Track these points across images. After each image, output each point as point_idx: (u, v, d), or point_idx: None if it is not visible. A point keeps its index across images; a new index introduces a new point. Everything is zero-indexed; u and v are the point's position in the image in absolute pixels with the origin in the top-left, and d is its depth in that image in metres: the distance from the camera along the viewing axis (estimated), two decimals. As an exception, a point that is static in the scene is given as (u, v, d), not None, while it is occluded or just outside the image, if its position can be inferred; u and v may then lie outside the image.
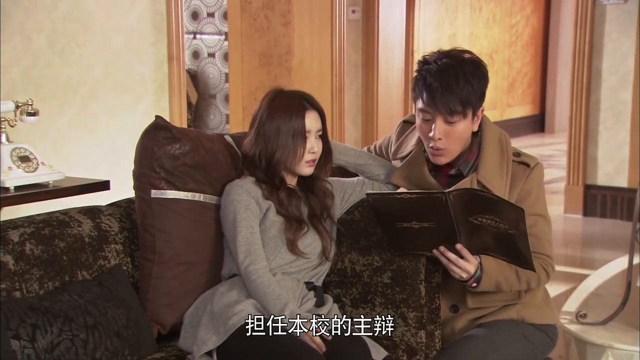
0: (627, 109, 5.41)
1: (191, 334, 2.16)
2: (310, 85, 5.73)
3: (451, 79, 2.26)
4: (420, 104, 2.30)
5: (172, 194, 2.25)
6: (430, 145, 2.30)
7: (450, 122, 2.27)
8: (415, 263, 2.31)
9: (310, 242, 2.27)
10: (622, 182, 5.36)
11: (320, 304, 2.23)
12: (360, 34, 6.26)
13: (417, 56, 7.94)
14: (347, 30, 5.98)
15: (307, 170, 2.28)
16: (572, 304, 3.43)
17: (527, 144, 9.02)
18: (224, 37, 6.29)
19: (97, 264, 2.19)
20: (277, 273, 2.22)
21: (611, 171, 5.48)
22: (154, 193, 2.25)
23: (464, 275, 2.21)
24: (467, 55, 2.35)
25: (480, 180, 2.30)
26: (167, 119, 4.24)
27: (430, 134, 2.28)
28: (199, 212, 2.28)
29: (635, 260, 3.20)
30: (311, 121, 2.26)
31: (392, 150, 2.52)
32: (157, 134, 2.26)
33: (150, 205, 2.25)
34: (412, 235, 2.20)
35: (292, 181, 2.32)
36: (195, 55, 6.52)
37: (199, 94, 6.53)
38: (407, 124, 2.53)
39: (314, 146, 2.26)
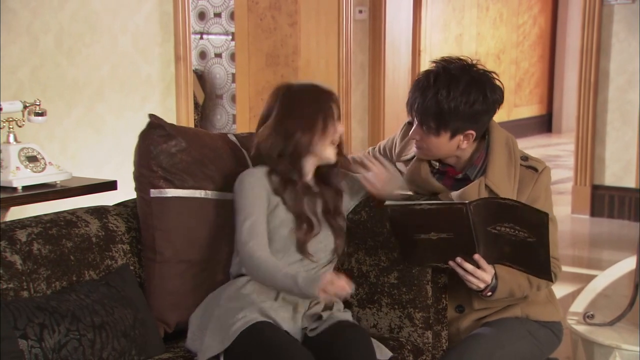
0: (634, 109, 5.39)
1: (198, 337, 2.15)
2: (316, 86, 5.72)
3: (435, 90, 2.25)
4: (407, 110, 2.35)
5: (171, 192, 2.25)
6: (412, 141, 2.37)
7: (425, 132, 2.30)
8: (422, 263, 2.31)
9: (322, 239, 2.23)
10: (629, 182, 5.34)
11: (329, 306, 2.20)
12: (367, 34, 6.26)
13: (424, 56, 7.92)
14: (354, 30, 5.98)
15: (332, 154, 2.23)
16: (579, 305, 3.42)
17: (534, 144, 9.00)
18: (230, 37, 6.30)
19: (104, 263, 2.20)
20: None
21: (619, 171, 5.45)
22: (153, 192, 2.25)
23: (481, 286, 2.21)
24: (475, 69, 2.30)
25: (488, 185, 2.30)
26: (174, 119, 4.27)
27: (414, 135, 2.35)
28: (200, 209, 2.27)
29: (643, 261, 3.19)
30: (335, 103, 2.25)
31: (396, 152, 2.52)
32: (152, 133, 2.26)
33: (150, 205, 2.25)
34: (430, 246, 2.19)
35: (308, 177, 2.27)
36: (202, 55, 6.53)
37: (206, 94, 6.54)
38: (411, 125, 2.52)
39: (337, 127, 2.24)
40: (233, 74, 6.24)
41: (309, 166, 2.25)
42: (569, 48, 9.44)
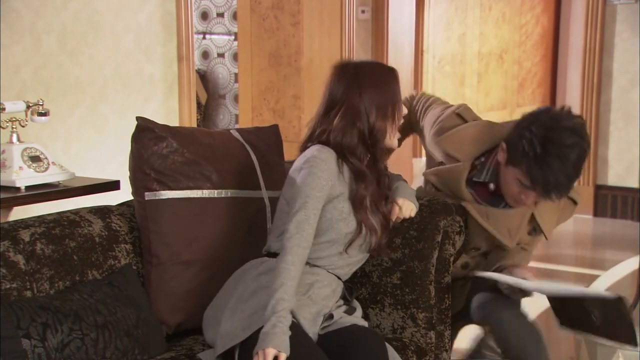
0: (637, 109, 5.38)
1: (214, 319, 2.09)
2: (319, 85, 5.71)
3: (574, 179, 2.21)
4: (526, 180, 2.23)
5: (165, 194, 2.23)
6: (514, 199, 2.33)
7: (550, 200, 2.28)
8: (425, 264, 2.30)
9: (368, 238, 2.17)
10: (633, 182, 5.33)
11: (351, 312, 2.17)
12: (370, 34, 6.25)
13: (427, 56, 7.92)
14: (357, 30, 5.98)
15: (396, 141, 2.19)
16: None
17: (536, 144, 8.99)
18: (233, 37, 6.30)
19: (107, 263, 2.20)
20: (324, 270, 2.14)
21: (622, 171, 5.45)
22: (148, 195, 2.24)
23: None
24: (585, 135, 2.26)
25: (534, 214, 2.35)
26: (177, 119, 4.27)
27: (526, 201, 2.29)
28: (197, 210, 2.25)
29: (646, 261, 3.19)
30: (399, 83, 2.19)
31: (434, 130, 2.47)
32: (141, 136, 2.25)
33: (145, 208, 2.24)
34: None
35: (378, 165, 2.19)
36: (205, 55, 6.53)
37: (209, 94, 6.54)
38: (460, 118, 2.48)
39: (402, 110, 2.20)
40: (236, 74, 6.24)
41: (380, 155, 2.18)
42: (572, 48, 9.41)
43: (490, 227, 2.35)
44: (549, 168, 2.16)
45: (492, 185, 2.38)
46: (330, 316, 2.12)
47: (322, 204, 2.08)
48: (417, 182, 7.79)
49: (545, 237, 2.45)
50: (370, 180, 2.15)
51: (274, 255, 2.13)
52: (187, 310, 2.24)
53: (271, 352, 1.88)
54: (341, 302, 2.19)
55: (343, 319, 2.11)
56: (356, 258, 2.21)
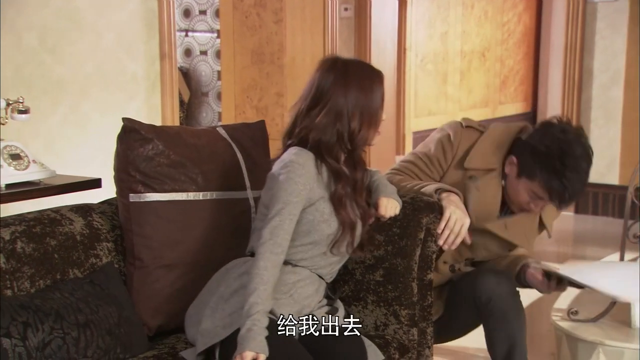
0: (618, 107, 5.42)
1: (196, 318, 2.09)
2: (302, 83, 5.70)
3: (582, 176, 2.32)
4: (542, 192, 2.33)
5: (150, 196, 2.22)
6: (520, 206, 2.42)
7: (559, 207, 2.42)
8: (408, 261, 2.31)
9: (347, 234, 2.16)
10: (613, 179, 5.38)
11: (333, 312, 2.17)
12: (353, 31, 6.26)
13: (410, 54, 7.93)
14: (339, 28, 5.98)
15: (375, 140, 2.18)
16: (563, 301, 3.43)
17: (519, 142, 9.04)
18: (216, 34, 6.28)
19: (89, 262, 2.19)
20: (307, 270, 2.14)
21: (603, 169, 5.49)
22: (132, 197, 2.22)
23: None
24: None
25: (541, 216, 2.49)
26: (159, 117, 4.25)
27: (531, 207, 2.39)
28: (182, 213, 2.23)
29: (627, 258, 3.22)
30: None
31: (459, 156, 2.45)
32: (127, 138, 2.23)
33: (129, 210, 2.22)
34: None
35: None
36: (187, 52, 6.50)
37: (191, 92, 6.52)
38: (472, 130, 2.48)
39: (382, 115, 2.18)
40: (218, 72, 6.22)
41: (358, 157, 2.18)
42: (554, 46, 9.47)
43: (510, 238, 2.41)
44: (568, 180, 2.27)
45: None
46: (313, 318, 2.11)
47: (299, 209, 2.07)
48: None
49: (549, 235, 2.56)
50: (348, 179, 2.14)
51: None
52: (169, 313, 2.23)
53: (249, 355, 1.88)
54: (324, 301, 2.19)
55: (326, 319, 2.09)
56: (337, 257, 2.21)
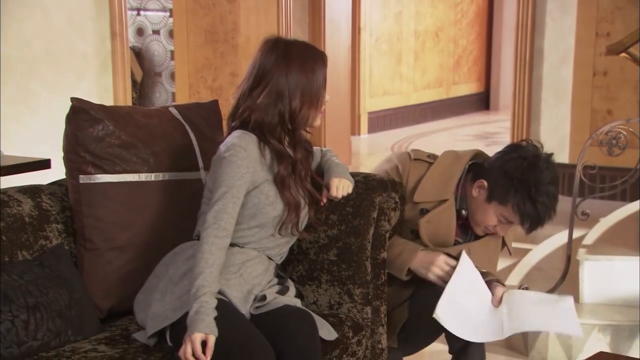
0: (567, 86, 5.51)
1: (145, 303, 2.09)
2: (256, 63, 5.67)
3: (554, 202, 2.35)
4: (514, 217, 2.34)
5: (100, 177, 2.19)
6: (485, 229, 2.42)
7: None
8: (361, 240, 2.32)
9: (293, 215, 2.17)
10: (563, 158, 5.46)
11: (284, 291, 2.17)
12: (307, 11, 6.23)
13: (364, 34, 7.94)
14: (293, 7, 5.95)
15: (318, 121, 2.18)
16: (514, 278, 3.50)
17: (472, 122, 9.12)
18: (168, 13, 6.20)
19: (38, 243, 2.15)
20: (255, 251, 2.14)
21: (553, 147, 5.50)
22: (82, 178, 2.19)
23: None
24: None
25: (504, 236, 2.51)
26: (111, 98, 4.19)
27: (497, 229, 2.41)
28: (133, 194, 2.20)
29: (575, 235, 3.28)
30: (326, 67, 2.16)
31: (408, 190, 2.45)
32: (76, 118, 2.19)
33: (79, 191, 2.19)
34: None
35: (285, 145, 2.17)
36: (140, 32, 6.41)
37: (144, 72, 6.44)
38: (421, 162, 2.48)
39: (325, 96, 2.18)
40: (172, 51, 6.15)
41: (299, 137, 2.18)
42: (506, 26, 9.57)
43: (474, 262, 2.40)
44: (541, 205, 2.32)
45: (464, 212, 2.44)
46: (263, 297, 2.11)
47: (243, 192, 2.07)
48: (356, 160, 7.80)
49: (510, 253, 2.60)
50: (290, 160, 2.15)
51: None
52: (121, 295, 2.21)
53: (198, 336, 1.88)
54: (275, 280, 2.19)
55: (276, 299, 2.11)
56: (286, 238, 2.21)
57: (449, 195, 2.41)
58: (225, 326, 1.92)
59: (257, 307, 2.09)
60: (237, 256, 2.11)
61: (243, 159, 2.07)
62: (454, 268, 2.31)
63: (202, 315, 1.90)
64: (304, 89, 2.12)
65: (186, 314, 1.94)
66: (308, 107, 2.13)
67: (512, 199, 2.32)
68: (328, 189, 2.29)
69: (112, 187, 2.20)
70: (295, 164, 2.17)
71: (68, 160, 2.22)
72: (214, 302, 1.94)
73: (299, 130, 2.17)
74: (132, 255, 2.22)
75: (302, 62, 2.12)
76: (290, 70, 2.11)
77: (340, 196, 2.28)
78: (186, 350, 1.88)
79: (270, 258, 2.20)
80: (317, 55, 2.17)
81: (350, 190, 2.30)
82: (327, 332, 2.14)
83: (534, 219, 2.33)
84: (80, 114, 2.19)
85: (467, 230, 2.48)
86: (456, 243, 2.45)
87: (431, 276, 2.33)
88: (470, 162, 2.46)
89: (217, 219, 2.02)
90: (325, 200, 2.29)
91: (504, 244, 2.53)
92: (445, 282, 2.29)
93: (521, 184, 2.31)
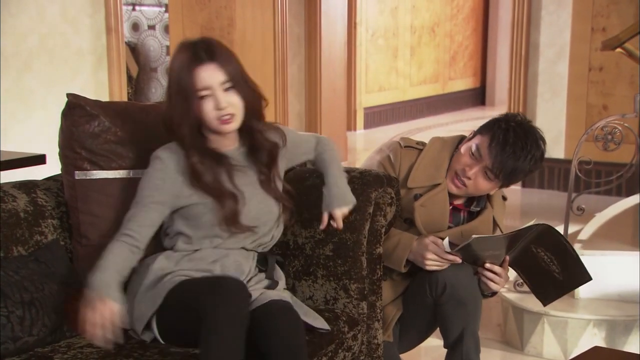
0: (563, 82, 5.51)
1: (129, 310, 2.11)
2: (253, 59, 5.68)
3: (525, 155, 2.35)
4: (476, 149, 2.36)
5: (96, 174, 2.18)
6: (457, 174, 2.41)
7: (484, 178, 2.39)
8: (357, 235, 2.32)
9: (264, 207, 2.14)
10: (559, 153, 5.48)
11: (273, 286, 2.15)
12: (303, 6, 6.22)
13: (360, 29, 7.93)
14: (289, 2, 5.94)
15: (225, 127, 2.05)
16: (510, 274, 3.49)
17: (468, 117, 9.13)
18: (164, 9, 6.19)
19: (34, 239, 2.15)
20: (225, 250, 2.12)
21: (549, 143, 5.48)
22: (78, 174, 2.18)
23: (501, 288, 2.40)
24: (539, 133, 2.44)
25: (494, 216, 2.51)
26: (107, 93, 4.18)
27: (468, 172, 2.38)
28: (129, 190, 2.18)
29: (570, 230, 3.29)
30: (208, 76, 2.01)
31: (402, 176, 2.46)
32: (72, 114, 2.18)
33: (75, 187, 2.19)
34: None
35: (224, 144, 2.13)
36: (135, 27, 6.40)
37: (140, 67, 6.42)
38: (411, 149, 2.50)
39: (220, 102, 2.01)
40: (167, 47, 6.13)
41: (217, 141, 2.10)
42: (502, 21, 9.57)
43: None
44: (511, 153, 2.34)
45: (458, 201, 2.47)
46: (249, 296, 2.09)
47: (159, 202, 2.05)
48: (352, 156, 7.80)
49: (502, 232, 2.58)
50: (200, 153, 2.07)
51: (169, 248, 2.14)
52: None
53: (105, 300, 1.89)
54: (262, 276, 2.17)
55: (262, 295, 2.07)
56: (249, 232, 2.13)
57: (441, 179, 2.44)
58: (194, 280, 1.98)
59: None
60: (210, 255, 2.11)
61: (158, 171, 2.06)
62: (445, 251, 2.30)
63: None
64: (178, 89, 2.04)
65: (164, 301, 1.98)
66: (181, 113, 2.04)
67: (490, 132, 2.36)
68: (332, 219, 2.28)
69: (108, 183, 2.20)
70: (220, 158, 2.09)
71: (64, 156, 2.21)
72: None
73: (199, 129, 2.07)
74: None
75: (175, 61, 2.05)
76: (171, 72, 2.07)
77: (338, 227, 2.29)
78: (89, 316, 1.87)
79: (248, 249, 2.18)
80: (187, 61, 2.03)
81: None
82: (321, 326, 2.14)
83: (495, 158, 2.33)
84: (76, 110, 2.19)
85: (458, 215, 2.49)
86: (448, 228, 2.46)
87: (428, 263, 2.33)
88: (457, 147, 2.49)
89: (125, 225, 2.05)
90: (325, 225, 2.28)
91: (495, 225, 2.52)
92: (442, 265, 2.31)
93: (507, 128, 2.36)
